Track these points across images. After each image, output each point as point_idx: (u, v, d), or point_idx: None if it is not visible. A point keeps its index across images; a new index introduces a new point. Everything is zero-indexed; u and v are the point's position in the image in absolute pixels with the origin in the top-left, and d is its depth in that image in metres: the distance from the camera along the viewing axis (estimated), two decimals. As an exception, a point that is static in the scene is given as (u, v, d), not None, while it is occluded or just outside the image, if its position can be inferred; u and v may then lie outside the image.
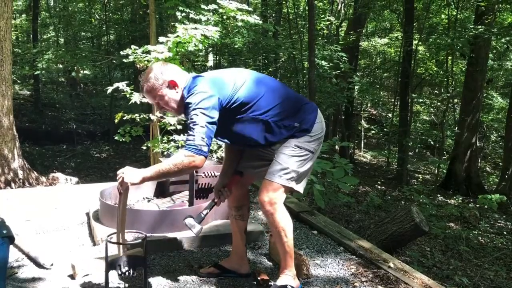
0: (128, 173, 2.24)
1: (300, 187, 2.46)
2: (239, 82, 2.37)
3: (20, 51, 13.11)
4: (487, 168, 16.09)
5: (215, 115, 2.25)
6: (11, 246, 2.24)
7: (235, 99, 2.33)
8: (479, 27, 9.94)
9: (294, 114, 2.42)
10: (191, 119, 2.23)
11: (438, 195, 10.61)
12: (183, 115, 2.48)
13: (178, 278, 2.69)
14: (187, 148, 2.21)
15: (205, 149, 2.21)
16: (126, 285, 2.55)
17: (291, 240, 2.47)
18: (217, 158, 5.62)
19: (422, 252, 5.94)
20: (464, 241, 6.68)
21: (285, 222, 2.42)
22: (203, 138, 2.20)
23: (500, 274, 5.47)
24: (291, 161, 2.39)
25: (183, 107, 2.36)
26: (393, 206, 8.73)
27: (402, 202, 9.34)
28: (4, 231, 2.01)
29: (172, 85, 2.36)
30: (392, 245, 4.84)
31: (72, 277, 2.64)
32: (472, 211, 8.85)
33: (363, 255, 3.13)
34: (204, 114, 2.22)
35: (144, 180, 2.26)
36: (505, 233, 7.79)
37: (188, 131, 2.24)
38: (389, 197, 9.81)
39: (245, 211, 2.71)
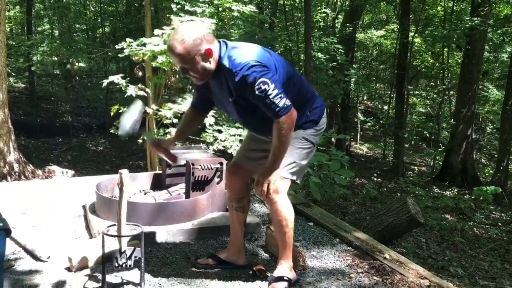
0: (273, 178, 2.31)
1: (299, 180, 2.50)
2: (277, 60, 2.31)
3: (14, 43, 13.01)
4: (482, 160, 16.16)
5: (273, 72, 2.21)
6: (7, 239, 2.24)
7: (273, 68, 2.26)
8: (475, 19, 9.94)
9: (309, 103, 2.45)
10: (259, 89, 2.15)
11: (434, 187, 10.66)
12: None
13: (175, 270, 2.71)
14: (279, 115, 2.18)
15: (288, 101, 2.20)
16: (123, 277, 2.55)
17: (291, 231, 2.49)
18: (213, 150, 5.63)
19: (417, 244, 5.98)
20: (459, 233, 6.73)
21: (287, 212, 2.45)
22: (281, 97, 2.18)
23: (494, 265, 5.51)
24: (297, 154, 2.42)
25: (211, 76, 2.28)
26: (389, 198, 8.77)
27: (398, 193, 9.38)
28: (1, 224, 2.01)
29: (207, 53, 2.21)
30: (388, 236, 4.86)
31: (69, 269, 2.65)
32: (468, 203, 8.90)
33: (359, 247, 3.15)
34: (267, 78, 2.16)
35: (275, 169, 2.31)
36: (499, 224, 7.85)
37: (264, 103, 2.18)
38: (385, 189, 9.84)
39: (245, 203, 2.72)
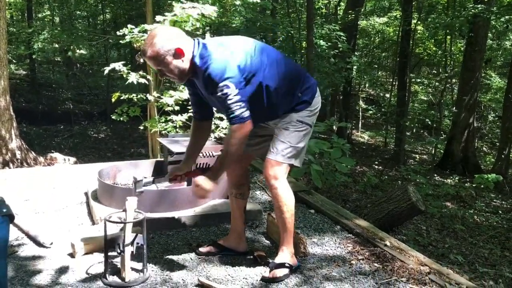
0: (202, 184, 2.33)
1: (298, 162, 2.52)
2: (249, 50, 2.32)
3: (15, 30, 12.94)
4: (484, 148, 16.14)
5: (241, 78, 2.23)
6: (10, 225, 2.26)
7: (247, 68, 2.28)
8: (479, 6, 9.85)
9: (299, 85, 2.44)
10: (221, 91, 2.18)
11: (435, 175, 10.67)
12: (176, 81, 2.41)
13: (177, 256, 2.73)
14: (232, 122, 2.21)
15: (246, 113, 2.22)
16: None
17: (292, 216, 2.52)
18: (215, 138, 5.63)
19: (418, 231, 6.00)
20: (459, 220, 6.74)
21: (287, 197, 2.48)
22: (241, 105, 2.20)
23: (494, 252, 5.54)
24: (293, 138, 2.43)
25: (188, 75, 2.32)
26: (390, 185, 8.78)
27: (399, 181, 9.39)
28: (4, 210, 2.02)
29: (179, 53, 2.25)
30: (389, 224, 4.88)
31: (71, 255, 2.67)
32: (468, 191, 8.91)
33: (360, 234, 3.16)
34: (232, 82, 2.18)
35: (217, 179, 2.35)
36: (500, 212, 7.86)
37: (224, 105, 2.21)
38: (386, 177, 9.86)
39: (245, 190, 2.73)
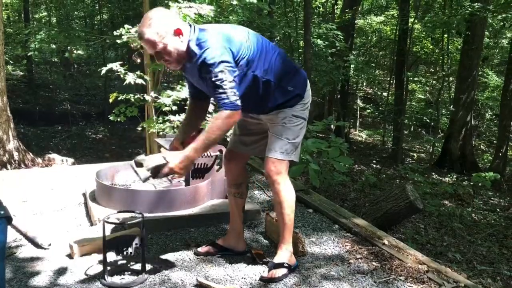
0: (172, 160, 2.20)
1: (296, 157, 2.53)
2: (243, 37, 2.32)
3: (11, 31, 12.91)
4: (481, 146, 16.17)
5: (236, 66, 2.22)
6: (8, 227, 2.26)
7: (241, 55, 2.28)
8: (475, 4, 9.86)
9: (290, 78, 2.44)
10: (216, 76, 2.15)
11: (433, 173, 10.68)
12: (174, 68, 2.38)
13: (176, 256, 2.73)
14: (225, 108, 2.17)
15: (239, 102, 2.19)
16: (124, 264, 2.58)
17: (292, 214, 2.53)
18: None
19: (416, 230, 6.01)
20: (457, 218, 6.75)
21: (288, 193, 2.50)
22: (235, 93, 2.17)
23: (492, 250, 5.55)
24: (290, 134, 2.43)
25: (186, 59, 2.28)
26: (388, 184, 8.79)
27: (397, 180, 9.40)
28: (2, 212, 2.02)
29: (177, 33, 2.20)
30: (387, 222, 4.89)
31: (70, 256, 2.67)
32: (466, 189, 8.92)
33: (358, 233, 3.17)
34: (228, 68, 2.17)
35: (191, 160, 2.23)
36: (498, 210, 7.88)
37: (217, 89, 2.17)
38: (384, 176, 9.86)
39: (243, 189, 2.74)
